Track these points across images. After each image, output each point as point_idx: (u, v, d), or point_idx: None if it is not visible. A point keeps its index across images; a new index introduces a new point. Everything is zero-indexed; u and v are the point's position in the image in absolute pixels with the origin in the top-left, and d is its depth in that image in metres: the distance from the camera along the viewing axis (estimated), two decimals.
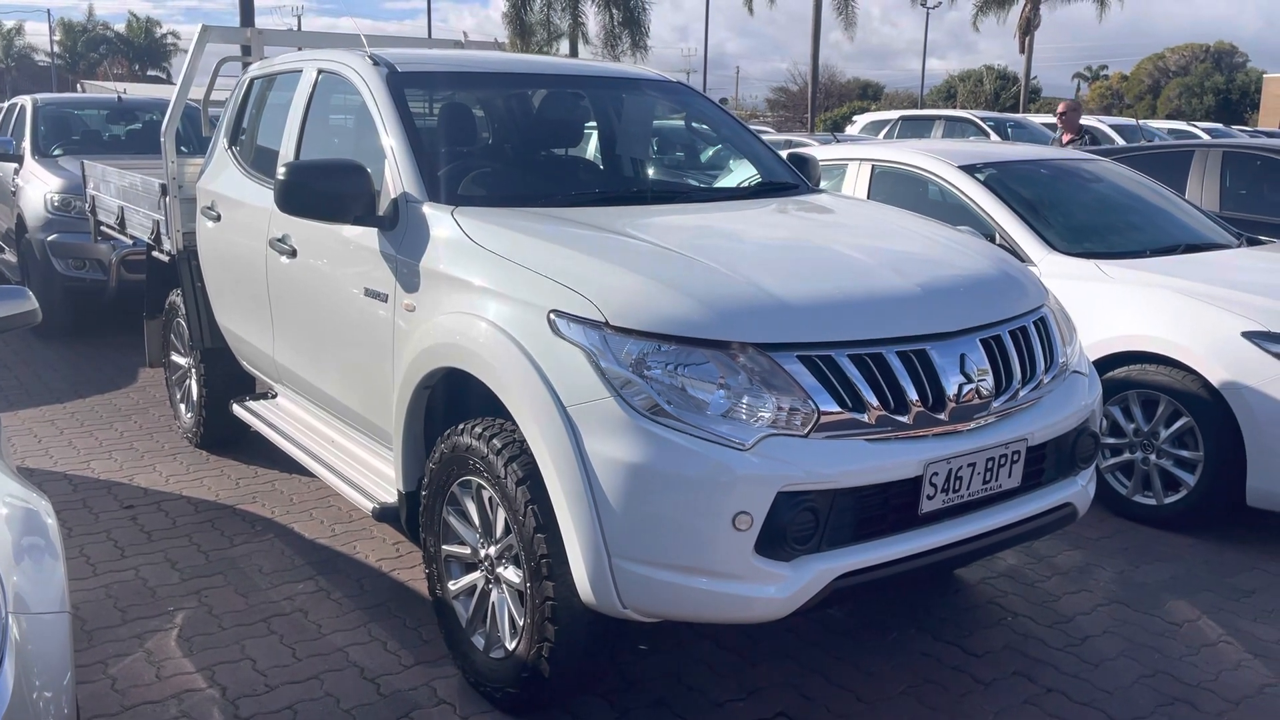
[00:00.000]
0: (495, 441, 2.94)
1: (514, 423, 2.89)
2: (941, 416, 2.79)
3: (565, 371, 2.74)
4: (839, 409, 2.66)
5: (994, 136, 15.69)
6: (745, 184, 4.43)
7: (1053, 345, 3.20)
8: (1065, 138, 10.22)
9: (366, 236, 3.61)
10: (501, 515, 3.00)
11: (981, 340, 2.94)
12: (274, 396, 4.96)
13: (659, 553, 2.60)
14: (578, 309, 2.77)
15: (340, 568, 4.12)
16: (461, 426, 3.10)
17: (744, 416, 2.62)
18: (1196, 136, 16.76)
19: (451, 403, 3.32)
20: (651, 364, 2.65)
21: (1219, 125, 22.35)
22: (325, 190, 3.48)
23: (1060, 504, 3.13)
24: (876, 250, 3.29)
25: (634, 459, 2.58)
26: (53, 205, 8.01)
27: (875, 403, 2.70)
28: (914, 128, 17.18)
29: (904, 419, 2.74)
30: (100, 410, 6.25)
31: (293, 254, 4.12)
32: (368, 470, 3.92)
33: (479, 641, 3.19)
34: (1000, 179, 5.44)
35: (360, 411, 3.87)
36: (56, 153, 8.89)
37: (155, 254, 5.71)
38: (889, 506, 2.74)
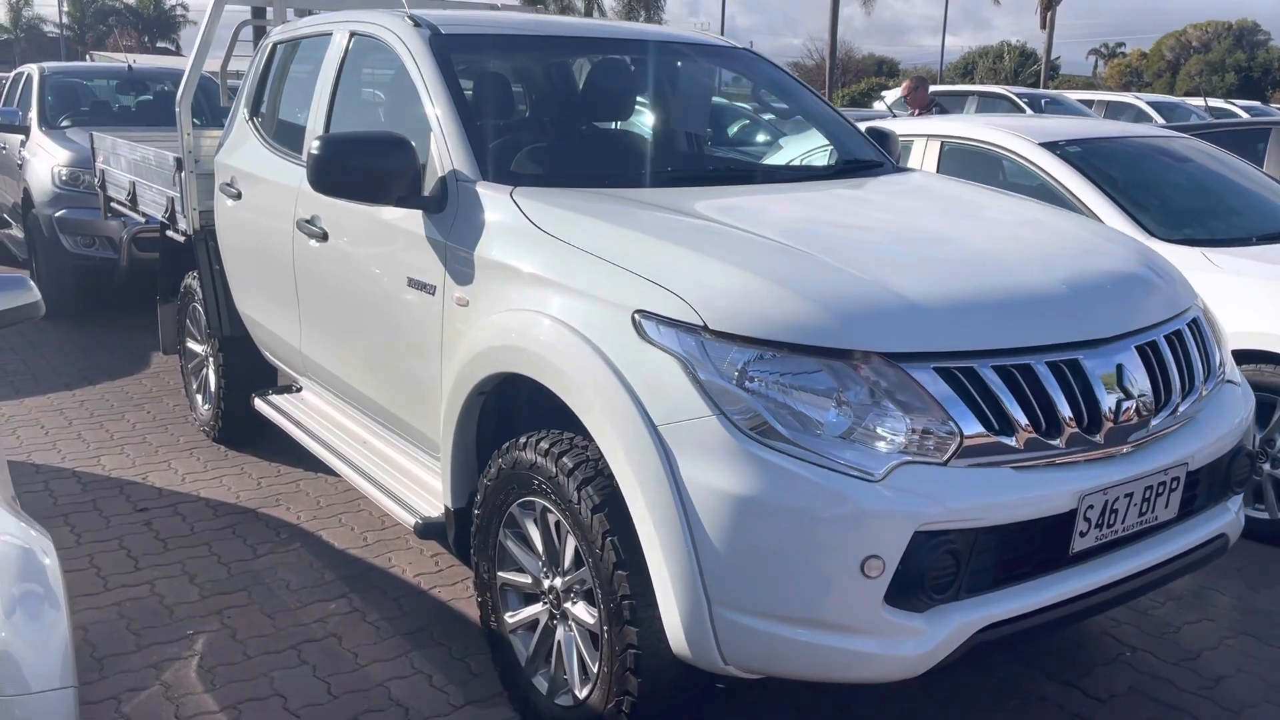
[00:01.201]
0: (565, 460, 2.53)
1: (587, 438, 2.49)
2: (1097, 439, 2.37)
3: (655, 383, 2.33)
4: (983, 431, 2.25)
5: (1029, 113, 15.15)
6: (830, 162, 3.97)
7: (1209, 352, 2.78)
8: (914, 113, 9.89)
9: (410, 220, 3.19)
10: (571, 544, 2.61)
11: (1137, 347, 2.52)
12: (298, 390, 4.56)
13: (770, 601, 2.20)
14: (669, 310, 2.35)
15: (375, 583, 3.73)
16: (524, 440, 2.69)
17: (871, 440, 2.20)
18: (1236, 115, 16.16)
19: (508, 409, 2.92)
20: (757, 375, 2.24)
21: (1257, 103, 21.58)
22: (364, 167, 3.06)
23: (1214, 535, 2.71)
24: (1008, 242, 2.86)
25: (741, 489, 2.18)
26: (60, 179, 7.62)
27: (1025, 423, 2.29)
28: (945, 104, 16.57)
29: (1056, 442, 2.32)
30: (111, 398, 5.86)
31: (323, 237, 3.71)
32: (408, 479, 3.51)
33: (541, 684, 2.80)
34: (1086, 157, 4.98)
35: (400, 415, 3.46)
36: (64, 124, 8.49)
37: (170, 234, 5.30)
38: (1036, 546, 2.33)
